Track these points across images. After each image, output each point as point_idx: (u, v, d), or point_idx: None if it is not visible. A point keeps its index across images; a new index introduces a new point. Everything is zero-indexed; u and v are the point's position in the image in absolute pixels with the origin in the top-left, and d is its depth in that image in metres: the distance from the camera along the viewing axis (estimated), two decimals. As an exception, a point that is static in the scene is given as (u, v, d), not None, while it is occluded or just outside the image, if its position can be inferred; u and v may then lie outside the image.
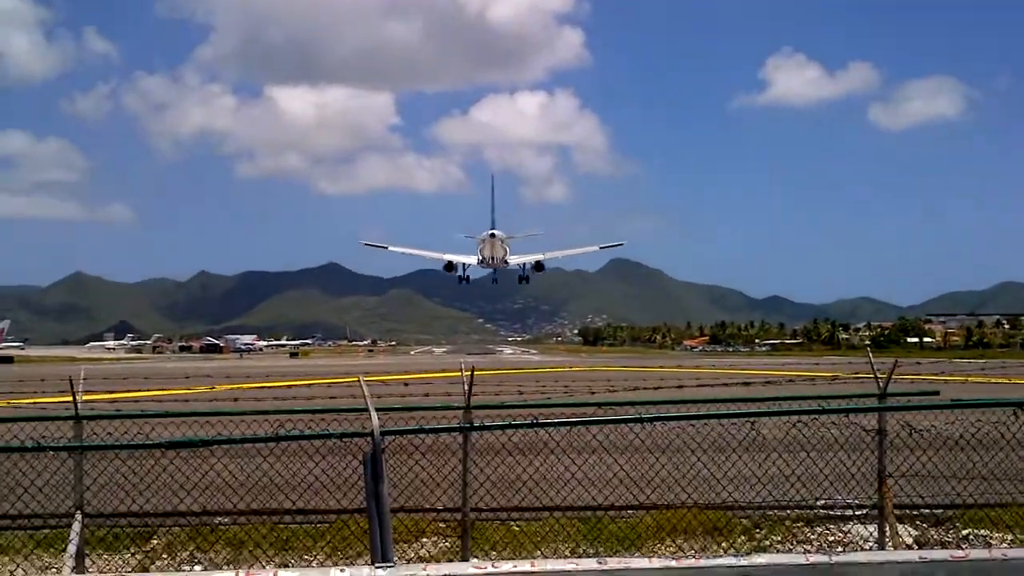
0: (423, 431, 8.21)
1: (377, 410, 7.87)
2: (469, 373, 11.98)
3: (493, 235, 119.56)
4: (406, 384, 14.29)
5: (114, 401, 15.59)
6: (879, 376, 12.54)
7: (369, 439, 7.57)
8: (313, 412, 12.18)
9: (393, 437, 10.09)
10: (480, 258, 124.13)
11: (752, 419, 9.48)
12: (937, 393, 12.37)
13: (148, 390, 17.01)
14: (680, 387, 15.27)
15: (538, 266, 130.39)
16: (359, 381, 8.25)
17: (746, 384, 15.99)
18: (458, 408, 12.02)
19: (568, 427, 8.83)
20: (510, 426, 8.48)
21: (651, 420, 8.58)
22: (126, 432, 12.23)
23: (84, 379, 12.05)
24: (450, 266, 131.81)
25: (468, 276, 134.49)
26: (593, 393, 14.44)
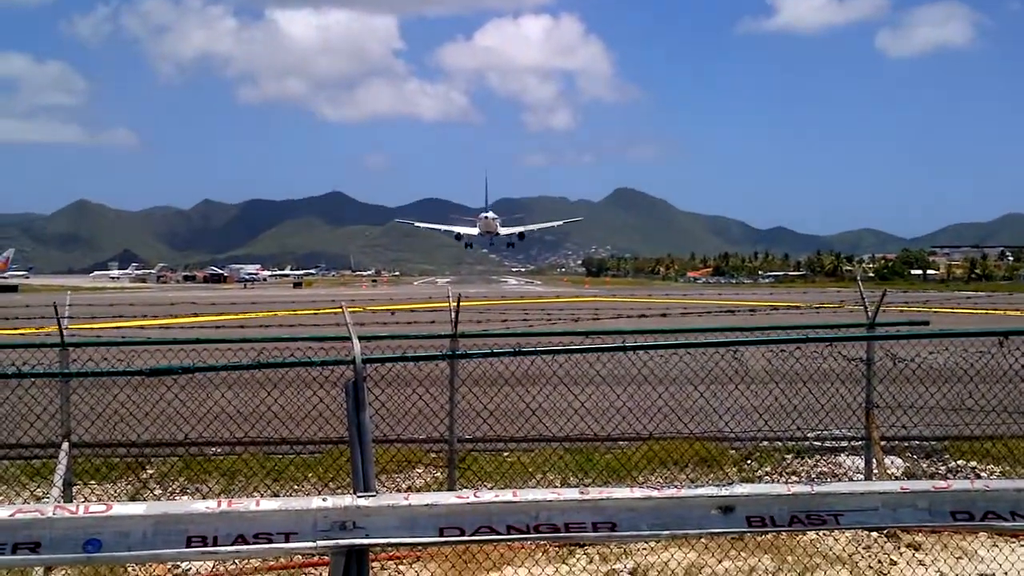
0: (405, 359, 8.16)
1: (361, 338, 7.82)
2: (456, 302, 11.92)
3: (486, 217, 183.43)
4: (392, 313, 14.24)
5: (118, 328, 15.50)
6: (868, 306, 12.47)
7: (351, 367, 7.53)
8: (299, 340, 12.12)
9: (381, 365, 10.09)
10: (479, 231, 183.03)
11: (735, 348, 9.41)
12: (927, 323, 12.30)
13: (152, 318, 16.90)
14: (664, 315, 15.22)
15: (521, 236, 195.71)
16: (342, 309, 8.18)
17: (731, 312, 15.93)
18: (445, 336, 11.97)
19: (551, 355, 8.78)
20: (492, 354, 8.46)
21: (633, 348, 8.53)
22: (115, 360, 12.20)
23: (70, 306, 12.02)
24: (458, 236, 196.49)
25: (471, 243, 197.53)
26: (576, 321, 14.37)
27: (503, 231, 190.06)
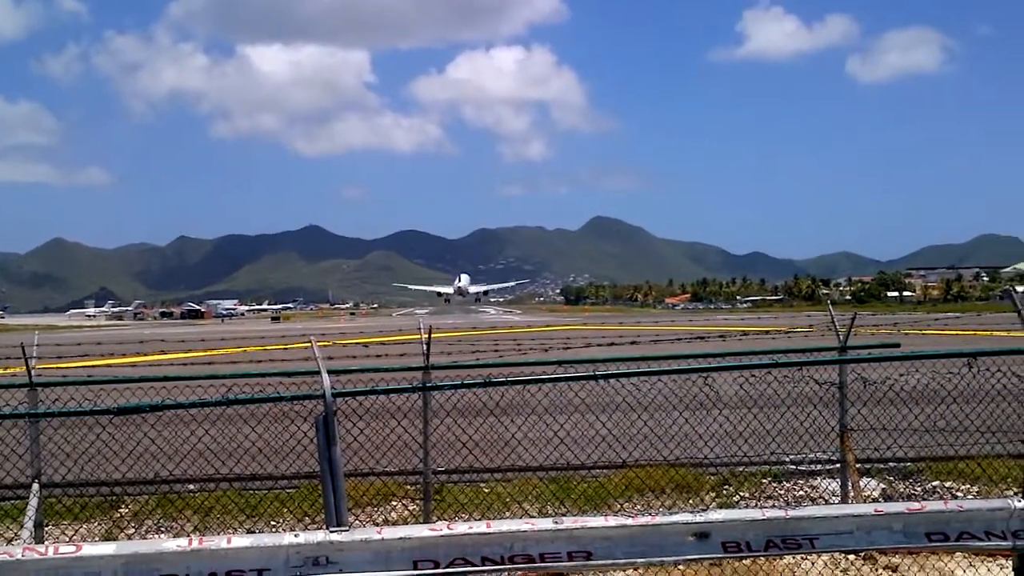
0: (375, 392, 8.12)
1: (331, 372, 7.77)
2: (427, 335, 11.90)
3: (459, 282, 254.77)
4: (366, 346, 14.19)
5: (84, 368, 15.40)
6: (839, 330, 12.53)
7: (322, 401, 7.49)
8: (268, 375, 12.05)
9: (363, 397, 10.05)
10: (454, 290, 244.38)
11: (706, 374, 9.43)
12: (898, 345, 12.36)
13: (122, 356, 16.82)
14: (634, 343, 15.22)
15: (485, 293, 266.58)
16: (311, 343, 8.14)
17: (702, 339, 15.99)
18: (417, 368, 11.93)
19: (522, 385, 8.75)
20: (462, 385, 8.42)
21: (604, 377, 8.52)
22: (83, 399, 12.12)
23: (38, 345, 12.00)
24: (439, 294, 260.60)
25: (448, 298, 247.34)
26: (547, 351, 14.38)
27: (471, 289, 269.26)
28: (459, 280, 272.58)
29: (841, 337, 12.37)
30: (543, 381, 8.80)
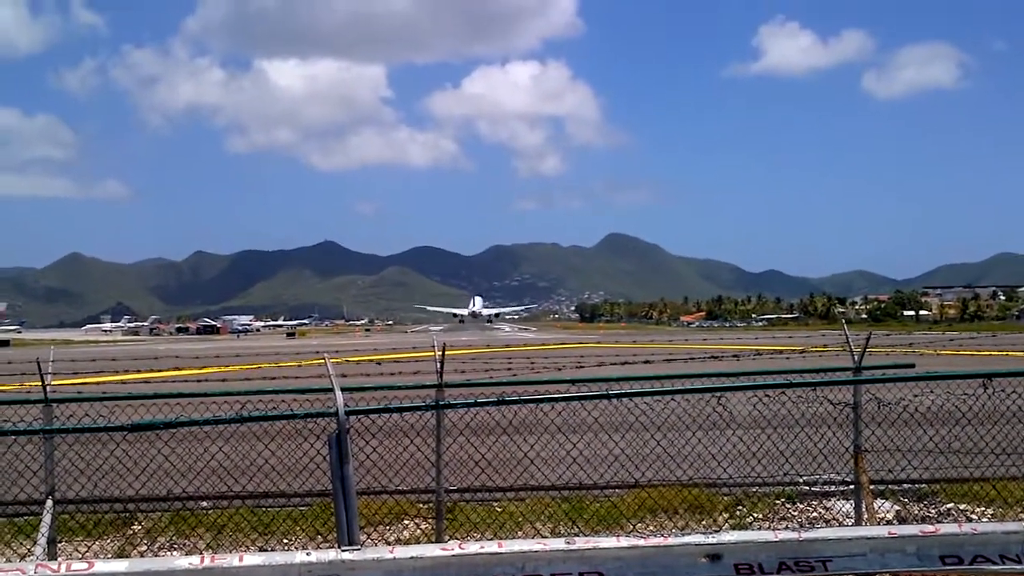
0: (388, 410, 8.10)
1: (345, 390, 7.78)
2: (441, 352, 11.91)
3: (475, 307, 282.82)
4: (379, 363, 14.20)
5: (99, 384, 15.47)
6: (854, 349, 12.49)
7: (334, 419, 7.49)
8: (281, 392, 12.08)
9: (376, 415, 10.06)
10: (469, 311, 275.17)
11: (720, 393, 9.40)
12: (912, 366, 12.30)
13: (136, 372, 16.85)
14: (647, 362, 15.19)
15: (497, 316, 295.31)
16: (325, 361, 8.15)
17: (715, 358, 15.94)
18: (430, 386, 11.94)
19: (535, 403, 8.74)
20: (475, 404, 8.41)
21: (617, 396, 8.50)
22: (97, 415, 12.16)
23: (53, 361, 12.06)
24: (454, 315, 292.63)
25: (463, 319, 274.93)
26: (560, 369, 14.37)
27: (484, 312, 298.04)
28: (473, 304, 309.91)
29: (856, 357, 12.32)
30: (556, 400, 8.78)
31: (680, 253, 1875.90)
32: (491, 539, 9.35)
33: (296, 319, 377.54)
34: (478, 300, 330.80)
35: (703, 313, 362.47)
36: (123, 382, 14.32)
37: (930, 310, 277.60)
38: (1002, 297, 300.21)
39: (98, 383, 14.58)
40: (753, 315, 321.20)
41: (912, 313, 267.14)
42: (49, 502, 10.58)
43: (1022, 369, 9.42)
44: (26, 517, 13.43)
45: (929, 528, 7.48)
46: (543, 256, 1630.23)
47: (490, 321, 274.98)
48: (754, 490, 14.82)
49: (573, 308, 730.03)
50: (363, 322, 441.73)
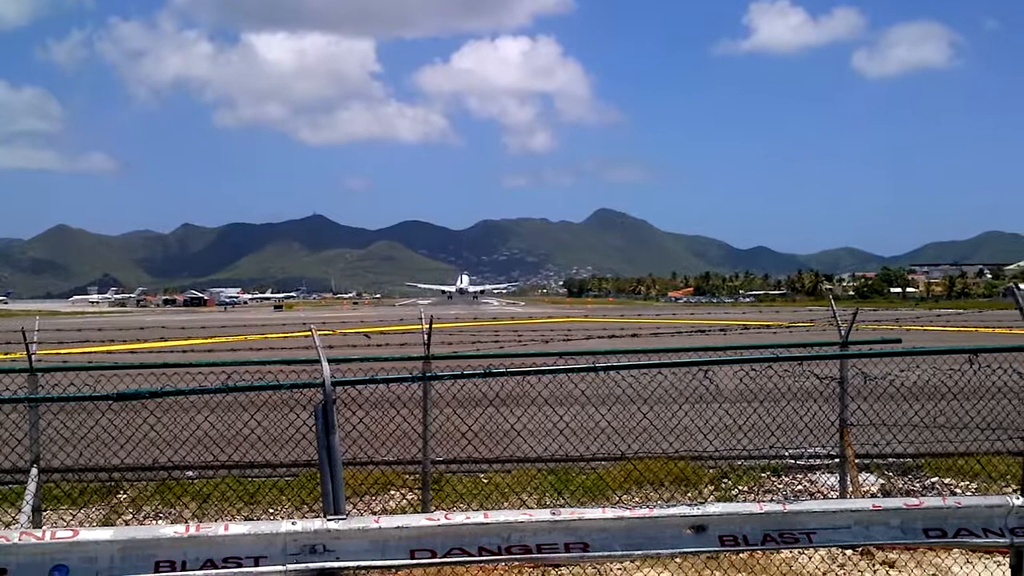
0: (375, 381, 8.10)
1: (331, 361, 7.77)
2: (428, 324, 11.90)
3: (462, 283, 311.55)
4: (367, 335, 14.16)
5: (84, 353, 15.43)
6: (841, 325, 12.52)
7: (320, 390, 7.49)
8: (268, 363, 12.05)
9: (363, 387, 10.05)
10: (456, 288, 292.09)
11: (707, 367, 9.41)
12: (899, 341, 12.32)
13: (122, 343, 16.81)
14: (635, 336, 15.20)
15: (482, 292, 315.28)
16: (311, 332, 8.14)
17: (703, 332, 15.95)
18: (417, 358, 11.93)
19: (521, 376, 8.75)
20: (462, 375, 8.40)
21: (605, 369, 8.50)
22: (83, 385, 12.12)
23: (38, 331, 12.04)
24: (442, 292, 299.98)
25: (451, 295, 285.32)
26: (547, 342, 14.37)
27: (470, 289, 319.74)
28: (460, 281, 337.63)
29: (843, 332, 12.35)
30: (543, 372, 8.79)
31: (669, 229, 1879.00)
32: (477, 510, 9.37)
33: (284, 292, 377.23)
34: (465, 277, 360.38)
35: (691, 289, 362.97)
36: (109, 352, 14.32)
37: (917, 287, 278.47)
38: (989, 275, 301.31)
39: (84, 353, 14.56)
40: (741, 291, 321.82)
41: (899, 290, 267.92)
42: (34, 470, 10.56)
43: (1008, 345, 9.45)
44: (11, 485, 13.42)
45: (913, 501, 7.53)
46: (532, 231, 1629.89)
47: (476, 297, 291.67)
48: (740, 463, 14.88)
49: (561, 283, 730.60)
50: (351, 295, 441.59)
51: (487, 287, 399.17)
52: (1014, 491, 9.26)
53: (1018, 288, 9.12)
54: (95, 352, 14.90)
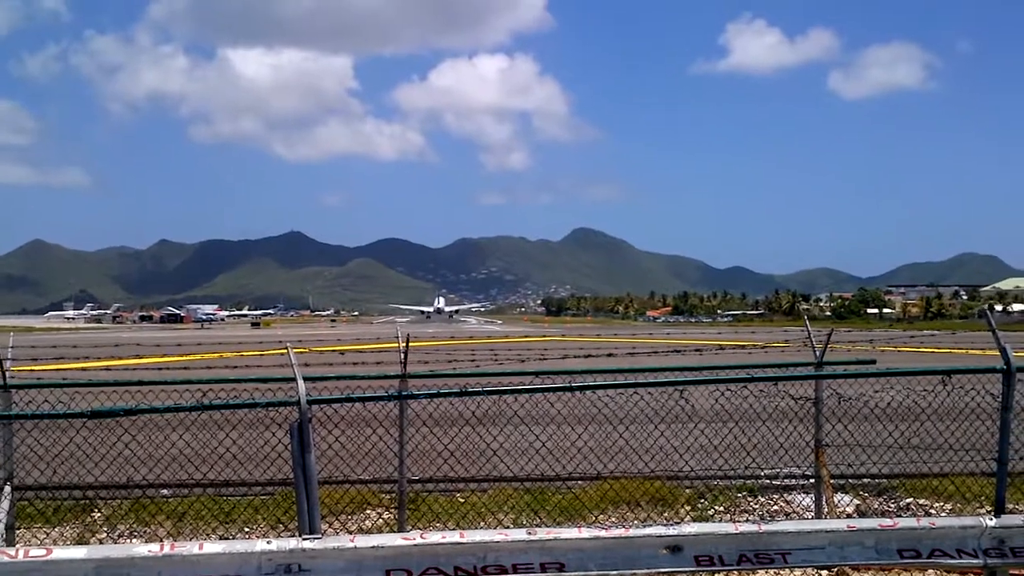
0: (351, 399, 8.11)
1: (307, 379, 7.77)
2: (405, 343, 11.90)
3: (439, 304, 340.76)
4: (342, 353, 14.14)
5: (58, 371, 15.33)
6: (816, 345, 12.58)
7: (296, 408, 7.48)
8: (244, 381, 12.03)
9: (339, 405, 10.04)
10: (434, 309, 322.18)
11: (682, 387, 9.45)
12: (873, 362, 12.39)
13: (97, 359, 16.71)
14: (611, 356, 15.24)
15: (456, 312, 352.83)
16: (287, 350, 8.13)
17: (678, 352, 16.01)
18: (393, 377, 11.92)
19: (498, 395, 8.77)
20: (438, 395, 8.41)
21: (580, 388, 8.53)
22: (57, 401, 12.04)
23: (12, 347, 11.98)
24: (421, 312, 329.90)
25: (429, 315, 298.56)
26: (523, 361, 14.36)
27: (447, 309, 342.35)
28: (437, 301, 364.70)
29: (817, 353, 12.42)
30: (519, 391, 8.82)
31: (647, 249, 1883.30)
32: (453, 529, 9.37)
33: (261, 309, 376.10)
34: (441, 299, 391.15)
35: (669, 308, 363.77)
36: (83, 369, 14.22)
37: (894, 308, 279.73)
38: (964, 296, 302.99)
39: (58, 370, 14.47)
40: (719, 311, 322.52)
41: (876, 311, 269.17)
42: (7, 488, 10.51)
43: (981, 367, 9.52)
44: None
45: (888, 522, 7.58)
46: (510, 250, 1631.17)
47: (451, 317, 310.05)
48: (716, 483, 14.90)
49: (539, 302, 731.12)
50: (329, 313, 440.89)
51: (462, 307, 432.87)
52: (988, 512, 9.32)
53: (991, 311, 9.20)
54: (69, 369, 14.78)
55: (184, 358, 18.70)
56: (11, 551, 6.41)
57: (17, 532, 11.46)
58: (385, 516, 13.65)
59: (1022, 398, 9.65)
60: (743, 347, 20.28)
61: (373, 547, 6.96)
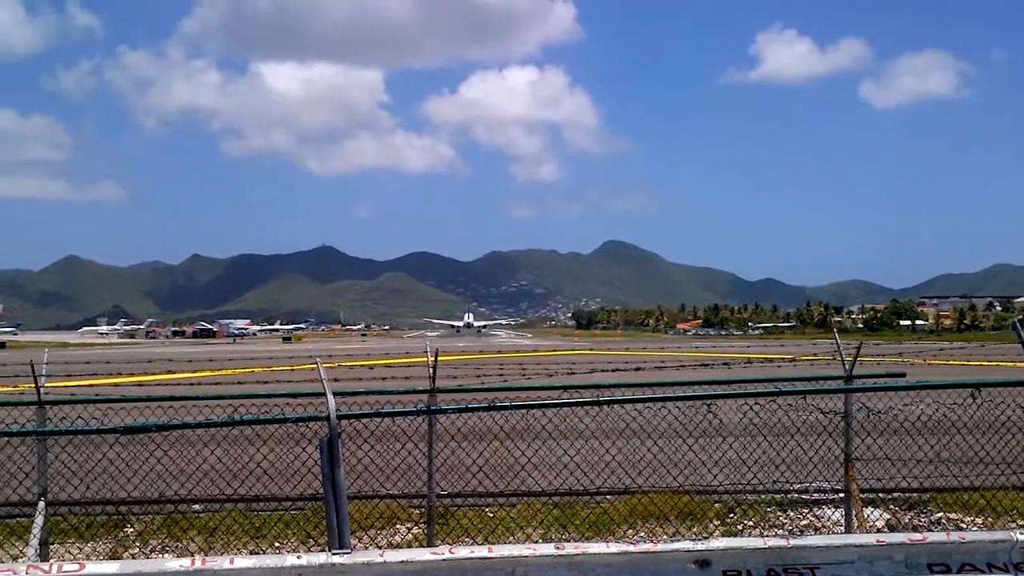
0: (380, 414, 8.16)
1: (336, 394, 7.82)
2: (434, 357, 11.94)
3: (469, 319, 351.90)
4: (371, 368, 14.21)
5: (91, 387, 15.49)
6: (845, 358, 12.52)
7: (326, 423, 7.53)
8: (274, 396, 12.12)
9: (369, 420, 10.10)
10: (464, 323, 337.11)
11: (709, 401, 9.44)
12: (903, 375, 12.34)
13: (129, 375, 16.84)
14: (638, 370, 15.23)
15: (485, 327, 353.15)
16: (317, 365, 8.19)
17: (706, 366, 15.98)
18: (422, 391, 11.97)
19: (526, 409, 8.78)
20: (466, 409, 8.44)
21: (608, 403, 8.54)
22: (90, 417, 12.18)
23: (47, 363, 12.13)
24: (452, 326, 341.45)
25: (459, 330, 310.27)
26: (551, 376, 14.37)
27: (476, 324, 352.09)
28: (467, 316, 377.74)
29: (847, 366, 12.36)
30: (546, 406, 8.84)
31: (678, 261, 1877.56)
32: (482, 544, 9.39)
33: (292, 324, 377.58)
34: (470, 315, 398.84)
35: (700, 321, 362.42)
36: (116, 384, 14.36)
37: (927, 320, 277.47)
38: (998, 308, 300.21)
39: (91, 385, 14.62)
40: (749, 323, 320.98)
41: (908, 323, 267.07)
42: (41, 504, 10.61)
43: (1012, 380, 9.46)
44: (18, 519, 13.44)
45: (917, 536, 7.53)
46: (540, 263, 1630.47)
47: (479, 332, 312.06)
48: (745, 498, 14.85)
49: (570, 315, 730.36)
50: (359, 327, 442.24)
51: (491, 322, 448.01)
52: (1019, 526, 9.27)
53: (1021, 323, 9.14)
54: (102, 384, 14.94)
55: (215, 373, 18.85)
56: (45, 566, 6.48)
57: (51, 547, 11.57)
58: (414, 531, 13.69)
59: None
60: (771, 360, 20.17)
61: (402, 562, 6.98)
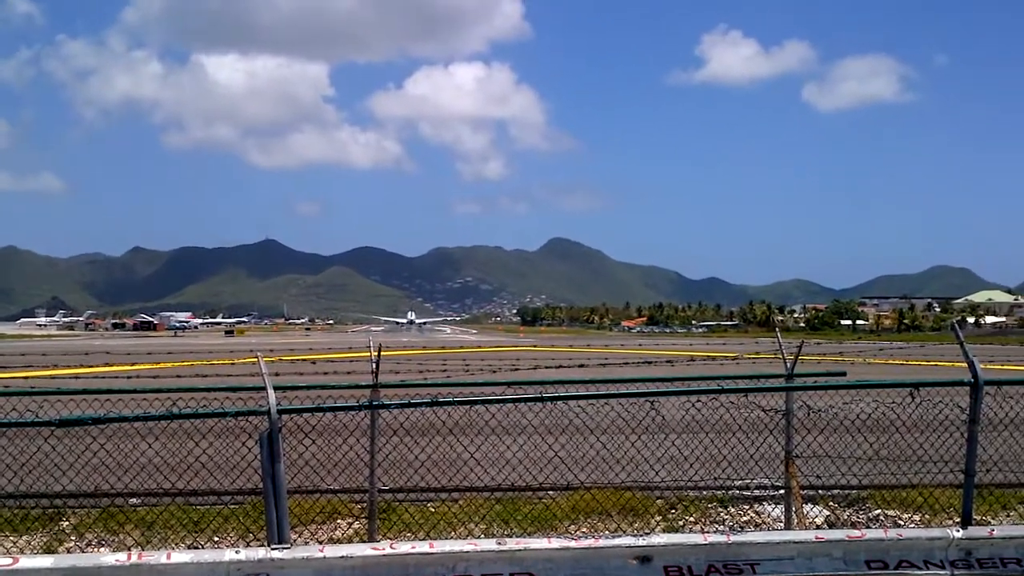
0: (321, 409, 8.08)
1: (277, 388, 7.75)
2: (377, 352, 11.88)
3: (411, 317, 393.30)
4: (314, 362, 14.11)
5: (28, 378, 15.21)
6: (787, 357, 12.62)
7: (266, 418, 7.46)
8: (214, 390, 11.97)
9: (311, 415, 9.99)
10: (406, 321, 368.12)
11: (652, 398, 9.46)
12: (844, 374, 12.47)
13: (66, 368, 16.58)
14: (582, 366, 15.27)
15: (425, 323, 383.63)
16: (258, 359, 8.10)
17: (649, 363, 16.06)
18: (365, 386, 11.89)
19: (469, 405, 8.75)
20: (409, 404, 8.40)
21: (552, 399, 8.54)
22: (26, 409, 11.96)
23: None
24: (397, 323, 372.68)
25: (404, 325, 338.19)
26: (495, 372, 14.37)
27: (417, 321, 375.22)
28: (409, 315, 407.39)
29: (788, 364, 12.47)
30: (490, 402, 8.80)
31: (623, 259, 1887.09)
32: (423, 539, 9.34)
33: (235, 317, 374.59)
34: (412, 312, 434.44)
35: (644, 318, 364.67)
36: (52, 377, 14.15)
37: (867, 320, 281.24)
38: (937, 309, 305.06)
39: (26, 377, 14.38)
40: (693, 322, 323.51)
41: (849, 323, 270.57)
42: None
43: (949, 379, 9.58)
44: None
45: (856, 533, 7.62)
46: (486, 259, 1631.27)
47: (420, 328, 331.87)
48: (687, 494, 14.94)
49: (515, 312, 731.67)
50: (303, 321, 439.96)
51: (432, 320, 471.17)
52: (955, 524, 9.37)
53: (963, 323, 9.26)
54: (38, 377, 14.70)
55: (155, 366, 18.64)
56: (-24, 560, 6.36)
57: (-16, 541, 11.36)
58: (355, 526, 13.61)
59: (989, 410, 9.73)
60: (714, 358, 20.33)
61: (342, 557, 6.94)
